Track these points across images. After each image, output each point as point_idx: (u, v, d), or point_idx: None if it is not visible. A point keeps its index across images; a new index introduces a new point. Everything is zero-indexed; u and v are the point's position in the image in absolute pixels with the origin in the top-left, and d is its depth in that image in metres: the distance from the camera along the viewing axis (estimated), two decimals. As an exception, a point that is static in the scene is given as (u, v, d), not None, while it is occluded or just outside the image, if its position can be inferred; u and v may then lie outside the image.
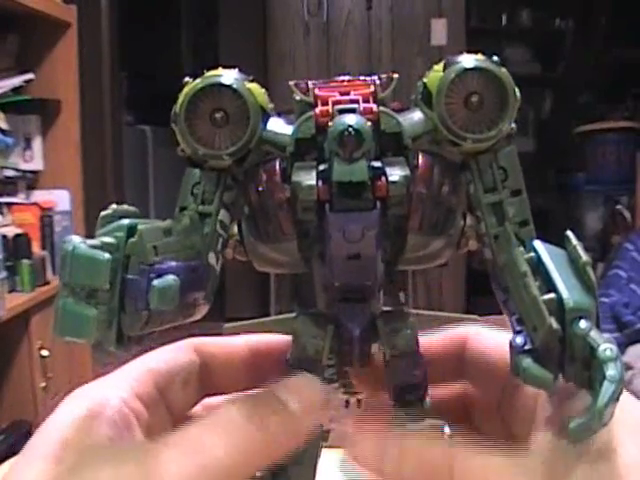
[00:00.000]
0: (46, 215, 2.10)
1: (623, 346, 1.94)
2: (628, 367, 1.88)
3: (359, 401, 0.33)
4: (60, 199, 2.16)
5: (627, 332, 1.99)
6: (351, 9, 3.40)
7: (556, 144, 4.00)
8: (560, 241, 0.29)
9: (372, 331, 0.31)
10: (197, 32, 4.94)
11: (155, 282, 0.26)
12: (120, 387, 0.30)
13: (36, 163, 2.14)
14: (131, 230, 0.27)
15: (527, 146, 4.04)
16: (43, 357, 1.96)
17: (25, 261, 1.92)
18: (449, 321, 0.34)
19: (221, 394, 0.34)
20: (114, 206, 0.29)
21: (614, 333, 1.99)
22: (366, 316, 0.31)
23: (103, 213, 0.28)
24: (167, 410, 0.31)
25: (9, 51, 2.08)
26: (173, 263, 0.27)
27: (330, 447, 0.33)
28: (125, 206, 0.29)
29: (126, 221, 0.28)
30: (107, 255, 0.26)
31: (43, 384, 1.98)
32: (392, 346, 0.30)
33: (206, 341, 0.34)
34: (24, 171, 2.11)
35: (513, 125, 0.29)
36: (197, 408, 0.34)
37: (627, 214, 3.25)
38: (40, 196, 2.14)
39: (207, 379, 0.33)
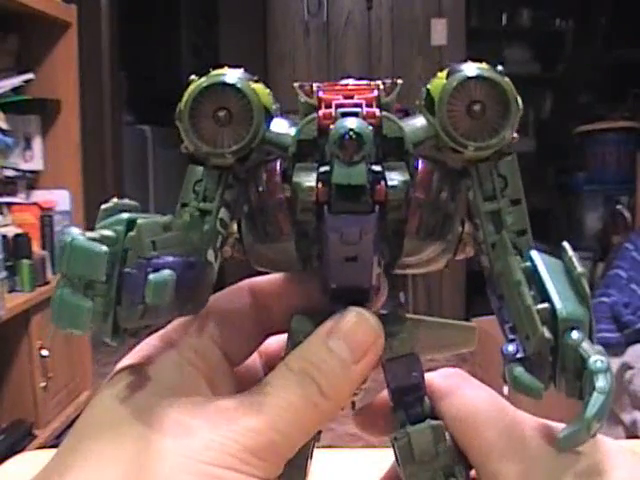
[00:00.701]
0: (46, 215, 2.10)
1: (623, 346, 1.94)
2: (628, 367, 1.88)
3: (353, 403, 0.33)
4: (60, 199, 2.16)
5: (627, 332, 1.99)
6: (351, 9, 3.40)
7: (556, 144, 4.01)
8: (559, 241, 0.29)
9: None
10: (197, 32, 4.95)
11: (151, 276, 0.26)
12: (175, 342, 0.30)
13: (36, 163, 2.14)
14: (130, 224, 0.27)
15: (527, 146, 4.04)
16: (43, 357, 1.97)
17: (25, 261, 1.93)
18: (446, 327, 0.34)
19: (282, 332, 0.33)
20: (115, 199, 0.29)
21: (614, 333, 2.00)
22: None
23: (104, 206, 0.28)
24: (225, 359, 0.31)
25: (9, 51, 2.08)
26: (170, 258, 0.28)
27: (329, 447, 0.33)
28: (126, 200, 0.29)
29: (126, 215, 0.28)
30: (105, 248, 0.26)
31: (43, 384, 1.98)
32: (388, 348, 0.30)
33: (259, 280, 0.33)
34: (24, 171, 2.11)
35: (515, 135, 0.29)
36: (254, 356, 0.33)
37: (627, 214, 3.25)
38: (40, 196, 2.14)
39: (264, 319, 0.32)
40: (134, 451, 0.26)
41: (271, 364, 0.29)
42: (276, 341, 0.34)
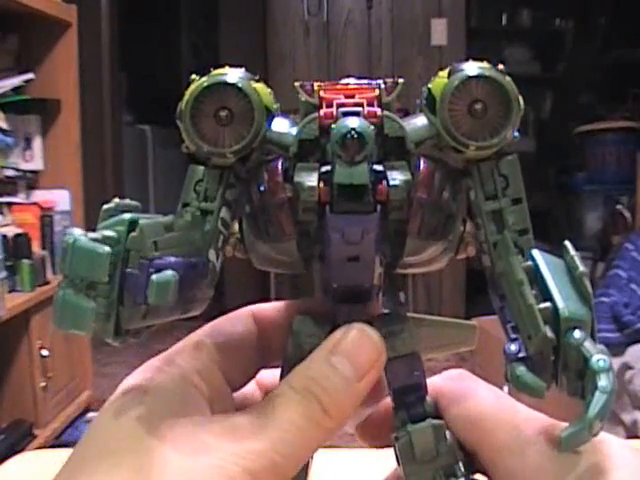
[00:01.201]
0: (46, 215, 2.10)
1: (623, 346, 1.94)
2: (628, 367, 1.88)
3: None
4: (60, 199, 2.16)
5: (627, 332, 1.99)
6: (351, 9, 3.40)
7: (556, 144, 4.00)
8: (559, 241, 0.29)
9: None
10: (197, 32, 4.95)
11: (154, 277, 0.26)
12: (178, 364, 0.30)
13: (36, 163, 2.14)
14: (132, 224, 0.27)
15: (527, 146, 4.04)
16: (43, 357, 1.97)
17: (25, 261, 1.93)
18: (447, 325, 0.34)
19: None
20: (117, 200, 0.29)
21: (614, 333, 1.99)
22: (363, 319, 0.31)
23: (105, 206, 0.28)
24: (226, 384, 0.31)
25: (9, 51, 2.08)
26: (172, 259, 0.28)
27: (329, 447, 0.33)
28: (127, 200, 0.29)
29: (128, 215, 0.28)
30: (107, 248, 0.26)
31: (43, 384, 1.98)
32: (390, 348, 0.30)
33: (263, 307, 0.33)
34: (24, 171, 2.11)
35: (516, 134, 0.29)
36: (253, 386, 0.33)
37: (627, 214, 3.24)
38: (40, 196, 2.14)
39: (266, 347, 0.32)
40: (135, 474, 0.26)
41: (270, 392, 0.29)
42: (272, 374, 0.33)
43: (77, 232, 0.26)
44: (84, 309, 0.26)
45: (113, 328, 0.27)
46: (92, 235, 0.27)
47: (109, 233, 0.27)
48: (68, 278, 0.26)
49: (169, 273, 0.27)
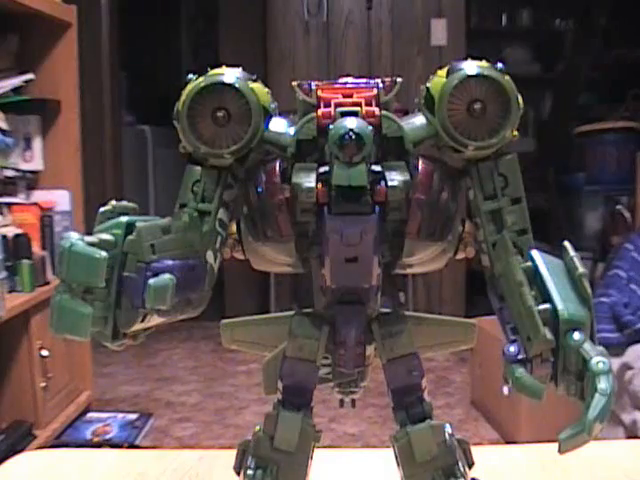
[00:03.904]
0: (46, 215, 2.10)
1: (623, 346, 1.94)
2: (628, 367, 1.88)
3: (353, 401, 0.33)
4: (60, 199, 2.16)
5: (627, 332, 1.98)
6: (351, 9, 3.40)
7: (556, 144, 4.00)
8: (559, 241, 0.29)
9: (367, 334, 0.31)
10: (197, 32, 4.95)
11: (151, 281, 0.26)
12: None
13: (36, 163, 2.14)
14: (129, 227, 0.27)
15: (527, 146, 4.04)
16: (43, 357, 1.96)
17: (25, 261, 1.92)
18: (446, 324, 0.34)
19: None
20: (113, 202, 0.29)
21: (614, 333, 1.99)
22: (361, 319, 0.31)
23: (102, 209, 0.28)
24: None
25: (9, 51, 2.08)
26: (170, 261, 0.28)
27: (329, 447, 0.33)
28: (124, 202, 0.29)
29: (125, 218, 0.28)
30: (104, 253, 0.26)
31: (43, 384, 1.97)
32: (388, 349, 0.30)
33: None
34: (24, 171, 2.11)
35: (516, 133, 0.29)
36: None
37: (627, 214, 3.24)
38: (40, 196, 2.14)
39: None
40: None
41: None
42: None
43: (73, 236, 0.26)
44: (81, 314, 0.26)
45: (111, 331, 0.27)
46: (89, 239, 0.27)
47: (106, 236, 0.27)
48: (65, 283, 0.26)
49: (166, 277, 0.27)
